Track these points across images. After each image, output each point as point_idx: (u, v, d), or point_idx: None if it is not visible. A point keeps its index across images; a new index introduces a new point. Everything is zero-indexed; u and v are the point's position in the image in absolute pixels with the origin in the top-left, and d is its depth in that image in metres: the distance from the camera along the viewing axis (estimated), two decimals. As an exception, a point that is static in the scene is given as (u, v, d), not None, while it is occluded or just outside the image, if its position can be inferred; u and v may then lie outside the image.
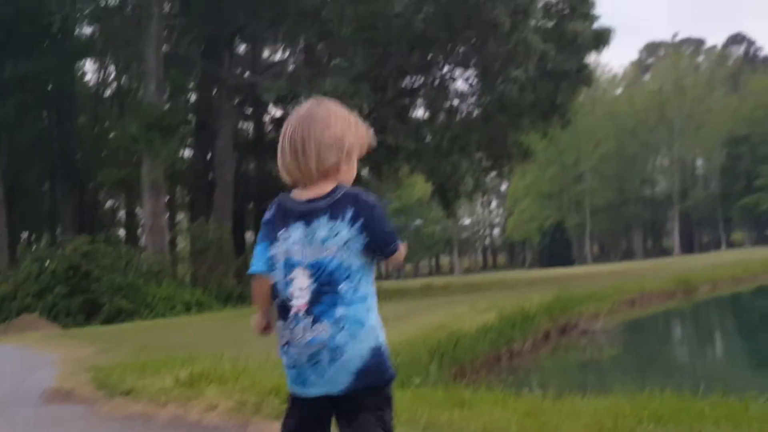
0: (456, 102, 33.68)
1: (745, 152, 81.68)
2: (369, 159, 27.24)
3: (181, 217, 50.59)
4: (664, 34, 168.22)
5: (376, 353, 2.65)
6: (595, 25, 30.42)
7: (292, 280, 2.67)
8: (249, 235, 41.17)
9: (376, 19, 26.57)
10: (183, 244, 48.55)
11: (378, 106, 29.67)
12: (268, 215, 2.80)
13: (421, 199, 67.87)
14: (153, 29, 30.50)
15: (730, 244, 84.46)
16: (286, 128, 2.77)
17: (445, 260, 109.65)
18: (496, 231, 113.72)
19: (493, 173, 39.73)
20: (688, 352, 15.15)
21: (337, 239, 2.63)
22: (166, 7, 33.57)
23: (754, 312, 21.66)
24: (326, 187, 2.71)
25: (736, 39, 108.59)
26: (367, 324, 2.65)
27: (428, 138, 31.96)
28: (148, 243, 31.29)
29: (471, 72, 32.36)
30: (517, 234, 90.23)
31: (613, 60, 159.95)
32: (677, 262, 39.34)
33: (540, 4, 29.10)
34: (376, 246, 2.67)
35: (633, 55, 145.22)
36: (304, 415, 2.75)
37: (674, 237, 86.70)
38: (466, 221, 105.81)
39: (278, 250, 2.71)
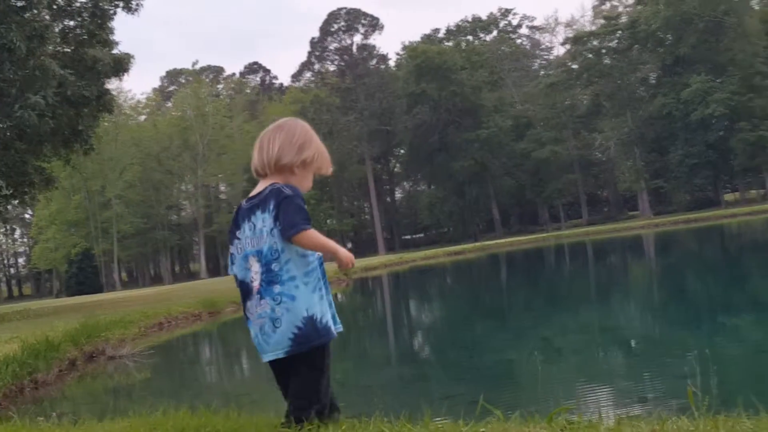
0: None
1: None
2: None
3: None
4: (184, 62, 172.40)
5: (309, 322, 3.28)
6: (115, 51, 30.44)
7: (250, 266, 3.35)
8: None
9: None
10: None
11: None
12: (231, 223, 3.50)
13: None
14: None
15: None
16: (263, 132, 3.56)
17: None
18: (21, 260, 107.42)
19: (15, 201, 37.52)
20: (215, 371, 15.93)
21: (266, 228, 3.30)
22: None
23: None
24: (267, 183, 3.38)
25: (253, 68, 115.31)
26: (300, 297, 3.28)
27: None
28: None
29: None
30: (43, 263, 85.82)
31: (136, 86, 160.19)
32: (204, 285, 40.77)
33: (57, 29, 28.35)
34: (280, 228, 3.26)
35: (156, 82, 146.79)
36: (276, 375, 3.47)
37: (201, 260, 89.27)
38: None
39: (238, 246, 3.40)
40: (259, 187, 3.44)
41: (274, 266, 3.27)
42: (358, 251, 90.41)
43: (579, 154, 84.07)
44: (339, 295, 34.93)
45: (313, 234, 3.28)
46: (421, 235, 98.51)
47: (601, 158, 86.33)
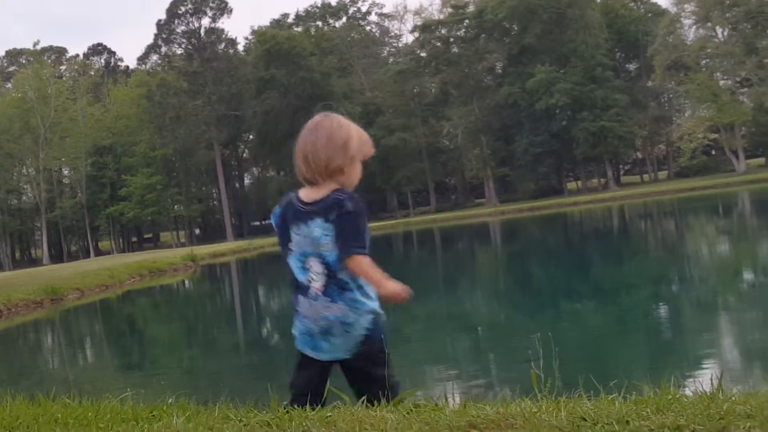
0: None
1: (110, 162, 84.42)
2: None
3: None
4: (25, 42, 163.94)
5: (375, 320, 3.37)
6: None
7: (310, 267, 3.37)
8: None
9: None
10: None
11: None
12: (276, 215, 3.51)
13: None
14: None
15: (99, 252, 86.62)
16: (299, 138, 3.45)
17: None
18: None
19: None
20: (57, 359, 15.41)
21: (329, 237, 3.30)
22: None
23: (121, 316, 22.84)
24: (325, 190, 3.36)
25: (98, 50, 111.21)
26: (368, 303, 3.35)
27: None
28: None
29: None
30: None
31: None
32: (46, 272, 39.22)
33: None
34: (337, 248, 3.28)
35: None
36: (312, 372, 3.46)
37: (43, 246, 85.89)
38: None
39: (294, 243, 3.40)
40: (314, 192, 3.40)
41: (342, 276, 3.33)
42: (206, 238, 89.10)
43: (427, 142, 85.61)
44: (186, 282, 34.32)
45: (364, 263, 3.27)
46: (271, 221, 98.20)
47: (448, 146, 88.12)
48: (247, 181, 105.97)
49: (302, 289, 3.42)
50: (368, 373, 3.43)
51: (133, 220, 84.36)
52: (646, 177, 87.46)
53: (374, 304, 3.39)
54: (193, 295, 29.70)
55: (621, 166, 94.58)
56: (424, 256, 34.85)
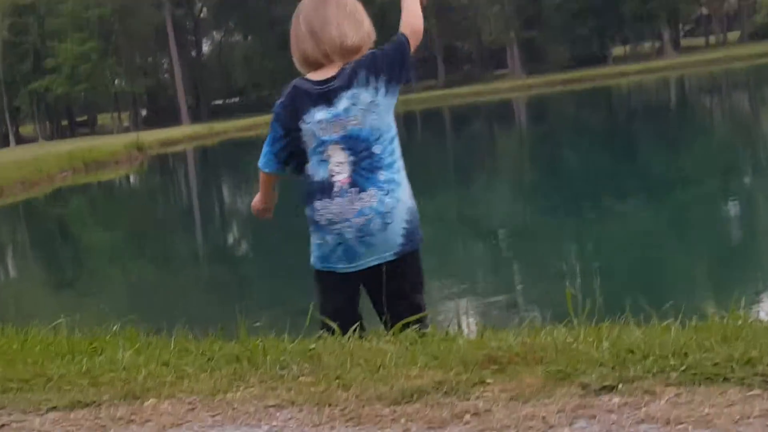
0: None
1: (32, 24, 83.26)
2: None
3: None
4: None
5: (413, 213, 3.50)
6: None
7: (329, 157, 3.45)
8: None
9: None
10: None
11: None
12: (281, 103, 3.56)
13: None
14: None
15: (21, 140, 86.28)
16: (298, 13, 3.54)
17: None
18: None
19: None
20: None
21: (359, 105, 3.43)
22: None
23: (51, 221, 22.92)
24: (336, 68, 3.44)
25: None
26: (404, 184, 3.48)
27: None
28: None
29: None
30: None
31: None
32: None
33: None
34: (394, 54, 3.48)
35: None
36: (350, 290, 3.56)
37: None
38: None
39: (305, 133, 3.49)
40: (324, 72, 3.52)
41: (376, 148, 3.46)
42: (156, 121, 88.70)
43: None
44: (131, 178, 34.38)
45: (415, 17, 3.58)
46: (236, 99, 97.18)
47: (461, 2, 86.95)
48: (206, 49, 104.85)
49: (322, 189, 3.50)
50: (401, 283, 3.53)
51: (63, 98, 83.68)
52: (712, 39, 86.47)
53: (409, 188, 3.54)
54: (140, 193, 29.76)
55: (681, 26, 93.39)
56: (430, 143, 34.76)
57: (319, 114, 3.47)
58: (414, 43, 3.52)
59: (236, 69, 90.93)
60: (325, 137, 3.47)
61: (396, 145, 3.53)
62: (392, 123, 3.54)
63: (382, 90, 3.47)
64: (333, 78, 3.47)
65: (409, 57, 3.51)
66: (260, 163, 3.65)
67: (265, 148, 3.64)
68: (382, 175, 3.45)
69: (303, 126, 3.50)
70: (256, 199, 3.74)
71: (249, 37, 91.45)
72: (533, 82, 67.83)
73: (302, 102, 3.51)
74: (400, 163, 3.52)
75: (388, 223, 3.44)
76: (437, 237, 13.15)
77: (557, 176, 19.46)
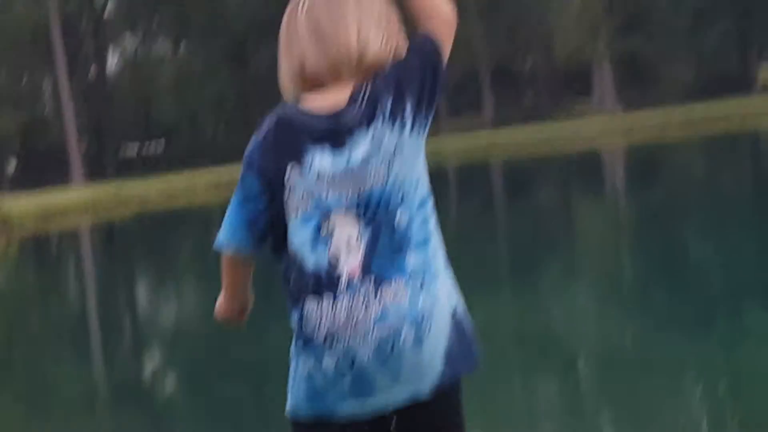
0: None
1: None
2: None
3: None
4: None
5: (460, 318, 3.46)
6: None
7: (331, 232, 3.36)
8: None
9: None
10: None
11: None
12: (259, 142, 3.46)
13: None
14: None
15: None
16: (298, 4, 3.57)
17: None
18: None
19: None
20: None
21: (383, 152, 3.36)
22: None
23: None
24: (349, 89, 3.41)
25: None
26: (443, 272, 3.43)
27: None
28: None
29: None
30: None
31: None
32: None
33: None
34: (427, 62, 3.43)
35: None
36: None
37: None
38: None
39: (293, 193, 3.38)
40: (328, 96, 3.46)
41: (401, 217, 3.37)
42: (32, 180, 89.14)
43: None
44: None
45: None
46: (160, 145, 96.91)
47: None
48: (112, 64, 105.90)
49: (318, 283, 3.39)
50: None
51: None
52: None
53: (447, 284, 3.49)
54: (6, 296, 29.93)
55: None
56: (469, 218, 34.85)
57: (323, 162, 3.40)
58: (447, 42, 3.51)
59: (161, 95, 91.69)
60: (331, 200, 3.38)
61: (430, 211, 3.47)
62: (423, 175, 3.48)
63: (408, 124, 3.42)
64: (345, 108, 3.42)
65: (444, 69, 3.48)
66: (220, 240, 3.52)
67: (229, 217, 3.50)
68: (412, 258, 3.35)
69: (292, 181, 3.42)
70: (221, 302, 3.63)
71: (182, 44, 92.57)
72: (634, 121, 67.84)
73: (294, 142, 3.44)
74: (436, 240, 3.46)
75: (424, 336, 3.32)
76: (482, 362, 13.16)
77: (678, 277, 19.37)
